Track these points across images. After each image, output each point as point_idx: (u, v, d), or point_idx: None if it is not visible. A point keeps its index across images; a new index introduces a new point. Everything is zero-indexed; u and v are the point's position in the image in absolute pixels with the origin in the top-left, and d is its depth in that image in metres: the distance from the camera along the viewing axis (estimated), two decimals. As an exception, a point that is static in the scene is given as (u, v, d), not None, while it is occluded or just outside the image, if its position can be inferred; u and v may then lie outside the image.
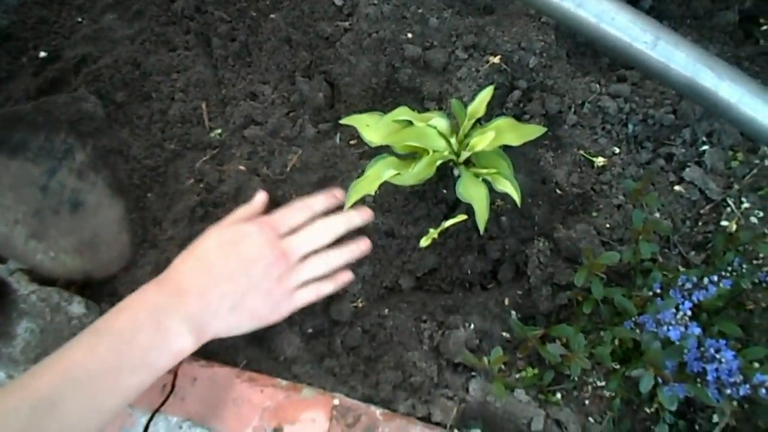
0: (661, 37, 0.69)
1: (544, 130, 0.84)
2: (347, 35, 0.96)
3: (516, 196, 0.80)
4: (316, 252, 0.75)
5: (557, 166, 0.92)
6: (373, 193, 0.81)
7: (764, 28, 1.06)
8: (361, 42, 0.95)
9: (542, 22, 0.96)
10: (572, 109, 0.94)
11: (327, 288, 0.75)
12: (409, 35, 0.96)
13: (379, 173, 0.80)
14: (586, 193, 0.91)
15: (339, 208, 0.82)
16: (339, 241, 0.80)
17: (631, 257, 0.82)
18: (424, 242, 0.81)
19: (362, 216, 0.80)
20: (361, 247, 0.80)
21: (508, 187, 0.80)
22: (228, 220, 0.76)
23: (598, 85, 0.95)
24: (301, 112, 0.93)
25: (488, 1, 0.98)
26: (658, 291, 0.79)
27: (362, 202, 0.88)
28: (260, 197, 0.80)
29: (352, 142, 0.92)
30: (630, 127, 0.94)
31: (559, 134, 0.94)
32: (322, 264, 0.75)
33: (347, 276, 0.78)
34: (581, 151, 0.93)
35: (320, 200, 0.79)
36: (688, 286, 0.74)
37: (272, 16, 0.97)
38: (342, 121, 0.85)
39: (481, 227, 0.79)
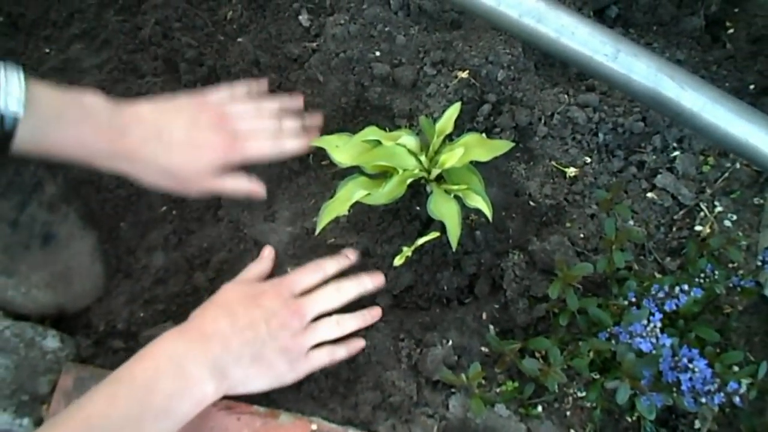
0: (621, 48, 0.69)
1: (513, 144, 0.84)
2: (315, 56, 0.96)
3: (487, 211, 0.80)
4: (329, 314, 0.76)
5: (530, 178, 0.92)
6: (345, 213, 0.81)
7: (731, 31, 1.07)
8: (330, 62, 0.96)
9: (509, 36, 0.96)
10: (542, 121, 0.95)
11: (341, 352, 0.75)
12: (377, 53, 0.96)
13: (350, 194, 0.80)
14: (559, 204, 0.91)
15: (354, 268, 0.83)
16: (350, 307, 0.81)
17: (606, 267, 0.83)
18: (398, 261, 0.81)
19: (375, 281, 0.80)
20: (374, 314, 0.80)
21: (479, 202, 0.80)
22: (241, 277, 0.77)
23: (566, 96, 0.95)
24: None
25: (455, 16, 0.99)
26: (633, 300, 0.79)
27: (335, 222, 0.88)
28: (268, 253, 0.82)
29: (324, 163, 0.92)
30: (600, 136, 0.94)
31: (531, 146, 0.94)
32: (335, 327, 0.75)
33: (360, 343, 0.78)
34: (553, 162, 0.93)
35: (333, 262, 0.80)
36: (661, 295, 0.74)
37: (239, 39, 0.97)
38: (311, 143, 0.85)
39: (454, 244, 0.79)
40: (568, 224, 0.90)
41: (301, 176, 0.90)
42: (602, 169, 0.93)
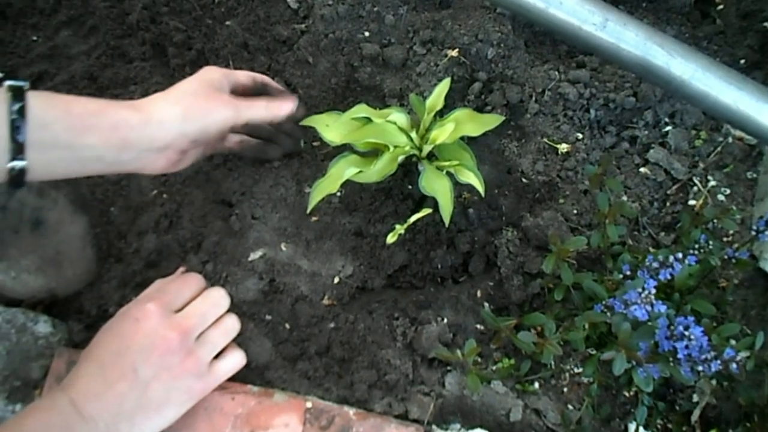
0: (609, 18, 0.69)
1: (503, 118, 0.84)
2: (304, 37, 0.96)
3: (480, 187, 0.79)
4: (216, 321, 0.73)
5: (522, 156, 0.92)
6: (336, 192, 0.80)
7: (720, 7, 1.06)
8: (319, 43, 0.95)
9: (498, 14, 0.96)
10: (533, 98, 0.94)
11: (241, 359, 0.73)
12: (366, 34, 0.96)
13: (341, 172, 0.79)
14: (552, 181, 0.91)
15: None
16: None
17: (600, 241, 0.82)
18: (391, 239, 0.80)
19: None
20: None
21: (471, 178, 0.80)
22: (146, 294, 0.73)
23: (557, 73, 0.95)
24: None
25: (444, -5, 0.98)
26: (628, 273, 0.79)
27: (328, 202, 0.87)
28: (180, 271, 0.78)
29: (315, 144, 0.91)
30: (592, 112, 0.94)
31: (522, 123, 0.93)
32: (224, 335, 0.72)
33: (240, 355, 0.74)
34: (545, 139, 0.93)
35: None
36: (655, 265, 0.74)
37: (228, 22, 0.97)
38: (302, 123, 0.84)
39: (446, 220, 0.78)
40: (561, 200, 0.90)
41: (292, 155, 0.90)
42: (594, 145, 0.92)
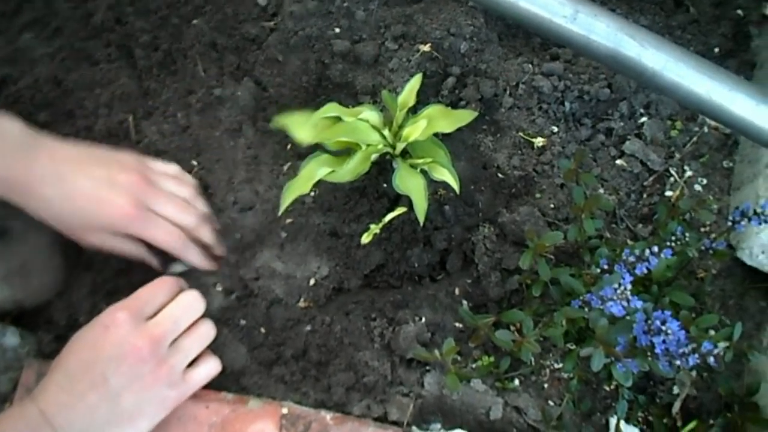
0: (580, 9, 0.68)
1: (476, 114, 0.83)
2: (273, 35, 0.94)
3: (454, 184, 0.78)
4: (190, 327, 0.71)
5: (497, 150, 0.91)
6: (308, 192, 0.79)
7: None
8: (288, 41, 0.93)
9: (470, 7, 0.95)
10: (507, 92, 0.93)
11: (216, 367, 0.71)
12: (337, 30, 0.94)
13: (312, 172, 0.78)
14: (528, 175, 0.90)
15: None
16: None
17: (577, 235, 0.81)
18: (366, 238, 0.79)
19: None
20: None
21: (445, 175, 0.78)
22: (123, 304, 0.70)
23: (531, 66, 0.94)
24: (232, 115, 0.90)
25: (415, -11, 0.97)
26: (606, 267, 0.78)
27: (301, 203, 0.86)
28: (160, 283, 0.75)
29: (285, 143, 0.90)
30: (567, 105, 0.93)
31: (497, 118, 0.92)
32: (196, 345, 0.70)
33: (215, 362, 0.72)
34: (520, 133, 0.92)
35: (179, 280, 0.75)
36: (632, 259, 0.73)
37: (195, 21, 0.94)
38: (272, 125, 0.82)
39: (421, 218, 0.77)
40: (537, 195, 0.89)
41: (263, 156, 0.88)
42: (570, 138, 0.92)
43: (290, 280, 0.82)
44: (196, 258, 0.75)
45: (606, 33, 0.69)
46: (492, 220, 0.86)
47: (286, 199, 0.78)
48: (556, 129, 0.92)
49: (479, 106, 0.91)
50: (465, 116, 0.81)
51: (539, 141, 0.91)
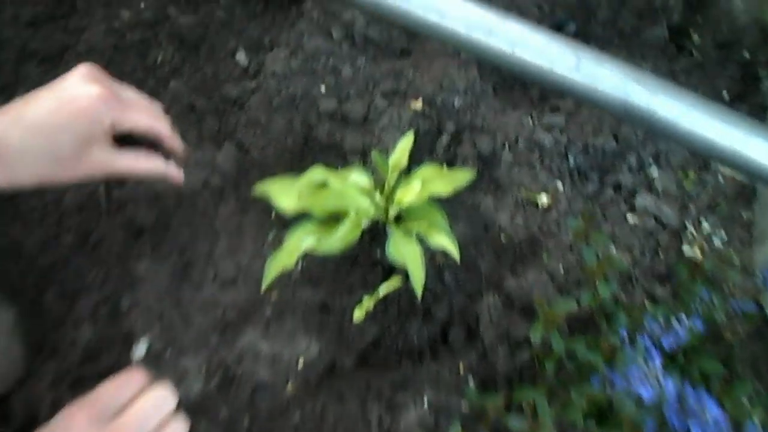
0: (582, 56, 0.62)
1: (473, 174, 0.76)
2: (256, 95, 0.89)
3: (453, 250, 0.71)
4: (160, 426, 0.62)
5: (499, 210, 0.84)
6: (293, 265, 0.72)
7: (696, 39, 1.01)
8: (271, 101, 0.88)
9: (463, 60, 0.90)
10: (506, 147, 0.87)
11: None
12: (323, 88, 0.88)
13: (298, 243, 0.71)
14: (533, 236, 0.83)
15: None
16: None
17: (591, 301, 0.74)
18: (358, 314, 0.71)
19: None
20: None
21: (443, 240, 0.71)
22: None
23: (530, 119, 0.88)
24: (213, 181, 0.84)
25: (403, 43, 0.92)
26: (625, 336, 0.70)
27: (287, 276, 0.78)
28: (125, 376, 0.67)
29: (273, 212, 0.83)
30: (571, 159, 0.87)
31: (497, 175, 0.86)
32: None
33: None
34: (522, 191, 0.86)
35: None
36: (655, 328, 0.65)
37: (172, 83, 0.89)
38: (254, 191, 0.76)
39: (418, 290, 0.70)
40: (544, 257, 0.82)
41: (245, 225, 0.81)
42: (576, 194, 0.85)
43: (277, 362, 0.74)
44: (176, 142, 0.65)
45: (612, 81, 0.63)
46: (497, 286, 0.79)
47: (270, 274, 0.70)
48: (561, 185, 0.86)
49: (477, 163, 0.85)
50: (462, 177, 0.75)
51: (543, 199, 0.85)
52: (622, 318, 0.73)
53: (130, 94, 0.64)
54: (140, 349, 0.73)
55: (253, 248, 0.80)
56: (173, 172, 0.64)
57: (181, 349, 0.74)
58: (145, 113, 0.63)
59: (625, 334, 0.69)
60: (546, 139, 0.86)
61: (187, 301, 0.77)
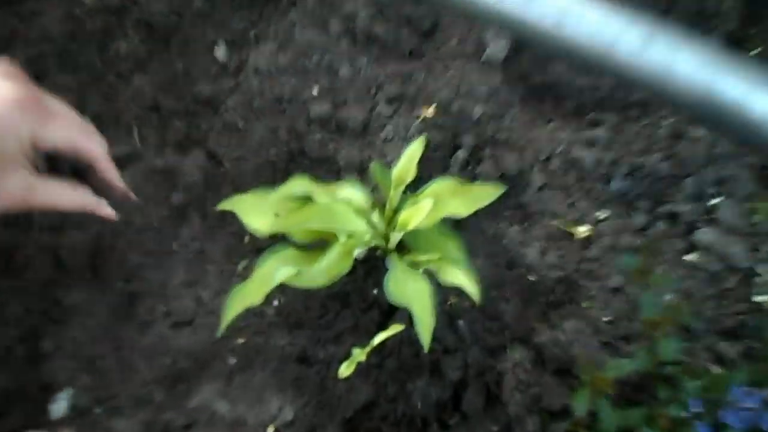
0: (655, 33, 0.46)
1: (503, 189, 0.60)
2: (234, 97, 0.74)
3: (472, 290, 0.55)
4: None
5: (527, 244, 0.68)
6: (261, 303, 0.55)
7: (755, 47, 0.86)
8: (252, 103, 0.73)
9: (483, 62, 0.75)
10: (536, 167, 0.72)
11: None
12: (315, 90, 0.74)
13: (270, 274, 0.54)
14: (569, 277, 0.67)
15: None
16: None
17: (648, 363, 0.57)
18: (346, 369, 0.55)
19: None
20: None
21: (459, 278, 0.55)
22: None
23: (565, 133, 0.73)
24: (175, 199, 0.68)
25: (414, 43, 0.77)
26: (693, 408, 0.53)
27: (259, 316, 0.62)
28: None
29: (246, 237, 0.67)
30: (614, 183, 0.71)
31: (524, 201, 0.70)
32: None
33: None
34: (556, 221, 0.70)
35: None
36: (745, 401, 0.48)
37: (136, 78, 0.74)
38: (219, 207, 0.60)
39: (425, 340, 0.53)
40: (585, 304, 0.65)
41: (211, 251, 0.65)
42: (622, 227, 0.69)
43: (239, 429, 0.57)
44: (113, 172, 0.52)
45: (693, 66, 0.47)
46: (525, 339, 0.63)
47: (230, 312, 0.54)
48: (602, 215, 0.70)
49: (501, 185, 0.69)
50: (485, 194, 0.58)
51: (582, 231, 0.69)
52: (690, 386, 0.56)
53: (56, 103, 0.50)
54: (60, 405, 0.56)
55: (218, 281, 0.64)
56: (106, 211, 0.50)
57: (115, 407, 0.57)
58: (75, 128, 0.50)
59: (698, 408, 0.52)
60: (585, 157, 0.70)
61: (128, 344, 0.61)
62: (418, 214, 0.55)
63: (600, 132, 0.73)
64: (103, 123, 0.73)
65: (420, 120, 0.72)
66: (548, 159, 0.72)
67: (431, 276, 0.58)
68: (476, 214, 0.64)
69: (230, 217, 0.67)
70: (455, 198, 0.56)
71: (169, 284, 0.64)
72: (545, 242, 0.70)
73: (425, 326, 0.54)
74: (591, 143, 0.73)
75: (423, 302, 0.54)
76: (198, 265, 0.66)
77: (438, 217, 0.56)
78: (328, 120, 0.74)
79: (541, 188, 0.72)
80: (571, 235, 0.70)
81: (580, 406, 0.54)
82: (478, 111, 0.73)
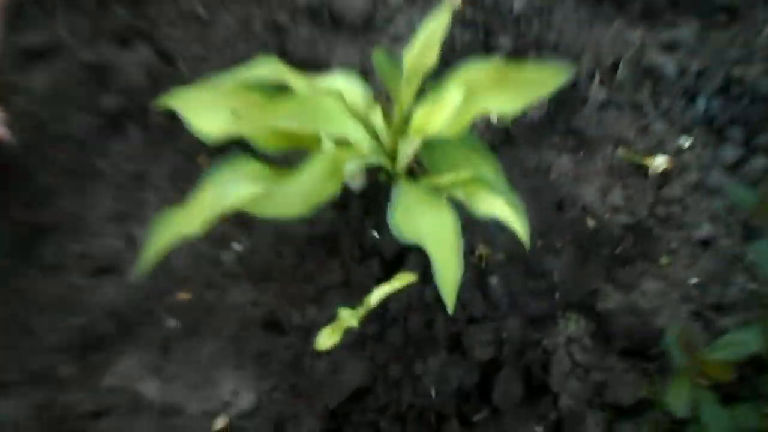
0: None
1: (567, 74, 0.40)
2: (194, -23, 0.55)
3: (519, 226, 0.37)
4: None
5: (582, 179, 0.53)
6: (196, 235, 0.37)
7: None
8: (217, -16, 0.54)
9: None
10: (596, 78, 0.53)
11: None
12: (302, -30, 0.55)
13: (219, 194, 0.36)
14: (641, 224, 0.50)
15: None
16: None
17: (763, 343, 0.40)
18: (329, 338, 0.38)
19: None
20: None
21: (500, 208, 0.37)
22: None
23: (636, 33, 0.54)
24: (106, 103, 0.50)
25: None
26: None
27: (212, 263, 0.44)
28: None
29: (201, 157, 0.49)
30: (701, 101, 0.53)
31: (579, 123, 0.54)
32: None
33: None
34: (622, 150, 0.51)
35: None
36: None
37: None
38: (157, 104, 0.42)
39: (449, 297, 0.36)
40: (663, 259, 0.48)
41: (154, 171, 0.47)
42: (711, 160, 0.51)
43: (172, 420, 0.39)
44: None
45: None
46: (582, 305, 0.46)
47: (152, 247, 0.36)
48: (686, 143, 0.51)
49: (546, 103, 0.51)
50: (543, 80, 0.39)
51: (658, 163, 0.51)
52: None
53: None
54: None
55: (157, 210, 0.46)
56: None
57: (5, 383, 0.39)
58: None
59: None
60: (664, 64, 0.53)
61: (26, 296, 0.43)
62: (441, 111, 0.37)
63: (684, 31, 0.55)
64: (20, 4, 0.54)
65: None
66: (613, 67, 0.55)
67: (459, 207, 0.40)
68: (513, 141, 0.46)
69: (180, 129, 0.49)
70: (496, 88, 0.38)
71: (90, 216, 0.47)
72: (608, 177, 0.53)
73: (449, 276, 0.36)
74: (671, 46, 0.55)
75: (446, 241, 0.37)
76: (132, 192, 0.49)
77: (469, 117, 0.38)
78: (319, 10, 0.58)
79: (602, 106, 0.55)
80: (644, 168, 0.52)
81: (680, 404, 0.36)
82: (518, 4, 0.55)
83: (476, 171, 0.40)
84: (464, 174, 0.39)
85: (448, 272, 0.36)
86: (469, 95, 0.39)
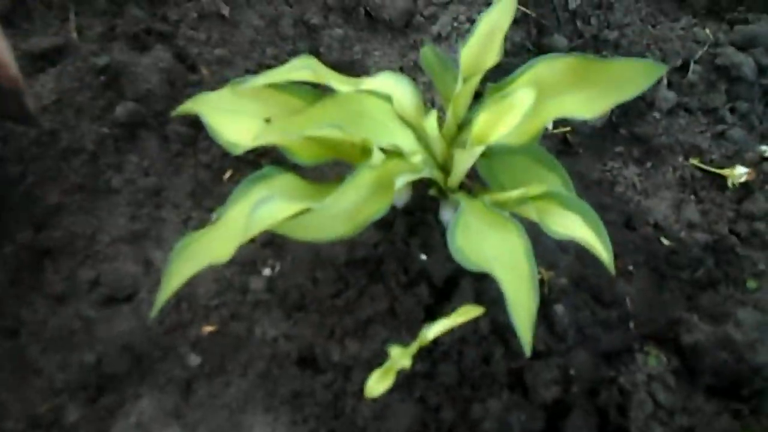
0: None
1: (662, 69, 0.35)
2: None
3: (602, 250, 0.32)
4: None
5: (652, 192, 0.46)
6: (225, 260, 0.32)
7: None
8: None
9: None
10: (663, 79, 0.48)
11: None
12: (335, -36, 0.51)
13: (253, 216, 0.31)
14: (722, 242, 0.44)
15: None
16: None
17: None
18: (378, 383, 0.32)
19: None
20: None
21: (578, 226, 0.32)
22: None
23: (706, 31, 0.49)
24: (121, 112, 0.45)
25: None
26: None
27: (240, 291, 0.39)
28: None
29: (229, 173, 0.44)
30: (784, 104, 0.47)
31: (646, 131, 0.47)
32: None
33: None
34: (695, 159, 0.46)
35: None
36: None
37: None
38: (178, 111, 0.37)
39: (525, 335, 0.31)
40: (750, 283, 0.41)
41: (169, 189, 0.42)
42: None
43: (198, 474, 0.34)
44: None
45: None
46: (662, 338, 0.40)
47: (174, 278, 0.31)
48: (768, 151, 0.46)
49: (610, 110, 0.46)
50: (639, 76, 0.33)
51: (737, 173, 0.45)
52: None
53: None
54: None
55: (179, 235, 0.41)
56: None
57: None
58: None
59: None
60: (741, 63, 0.46)
61: (30, 329, 0.38)
62: (508, 116, 0.32)
63: (762, 28, 0.49)
64: (28, 4, 0.50)
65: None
66: (684, 67, 0.49)
67: (524, 226, 0.34)
68: (574, 150, 0.41)
69: (202, 139, 0.44)
70: (574, 88, 0.33)
71: (102, 238, 0.42)
72: (680, 191, 0.47)
73: (523, 307, 0.31)
74: (748, 44, 0.49)
75: (517, 266, 0.31)
76: (149, 210, 0.44)
77: (541, 123, 0.33)
78: (354, 8, 0.52)
79: (671, 111, 0.49)
80: (720, 180, 0.46)
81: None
82: (574, -1, 0.50)
83: (549, 185, 0.35)
84: (536, 189, 0.34)
85: (522, 303, 0.31)
86: (541, 97, 0.34)
